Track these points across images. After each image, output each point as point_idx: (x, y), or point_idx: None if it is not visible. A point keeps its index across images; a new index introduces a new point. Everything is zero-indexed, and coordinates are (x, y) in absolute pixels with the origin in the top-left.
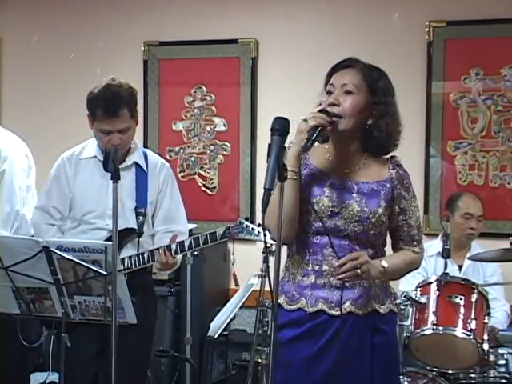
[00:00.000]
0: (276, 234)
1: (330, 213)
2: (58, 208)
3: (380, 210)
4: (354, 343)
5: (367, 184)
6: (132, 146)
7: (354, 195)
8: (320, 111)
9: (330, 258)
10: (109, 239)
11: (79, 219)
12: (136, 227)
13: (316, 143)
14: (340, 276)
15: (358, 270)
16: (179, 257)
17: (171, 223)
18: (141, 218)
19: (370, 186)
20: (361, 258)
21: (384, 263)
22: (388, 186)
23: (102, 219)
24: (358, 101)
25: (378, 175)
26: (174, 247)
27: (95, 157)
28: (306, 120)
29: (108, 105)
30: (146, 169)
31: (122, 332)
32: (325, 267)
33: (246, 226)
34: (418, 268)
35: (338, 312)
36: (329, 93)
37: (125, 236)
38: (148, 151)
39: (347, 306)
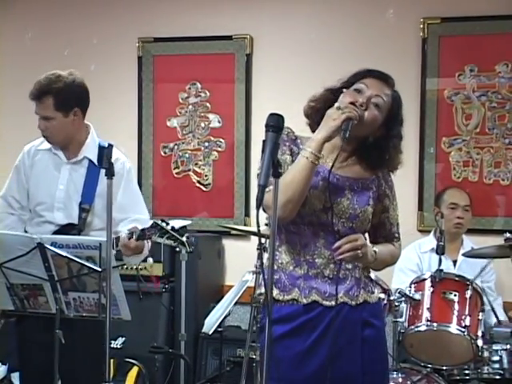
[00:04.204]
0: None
1: (322, 207)
2: (17, 198)
3: (369, 209)
4: (346, 337)
5: (357, 181)
6: (88, 140)
7: (346, 192)
8: (351, 103)
9: (322, 248)
10: (56, 233)
11: (33, 211)
12: (75, 222)
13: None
14: (340, 256)
15: (359, 251)
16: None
17: (122, 214)
18: (84, 214)
19: (360, 183)
20: (360, 240)
21: (376, 248)
22: (375, 183)
23: (51, 212)
24: (379, 118)
25: (365, 173)
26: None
27: (50, 149)
28: (339, 108)
29: (36, 88)
30: (97, 164)
31: (71, 326)
32: (317, 259)
33: (160, 228)
34: (394, 264)
35: (333, 303)
36: (357, 90)
37: (68, 230)
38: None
39: (340, 297)
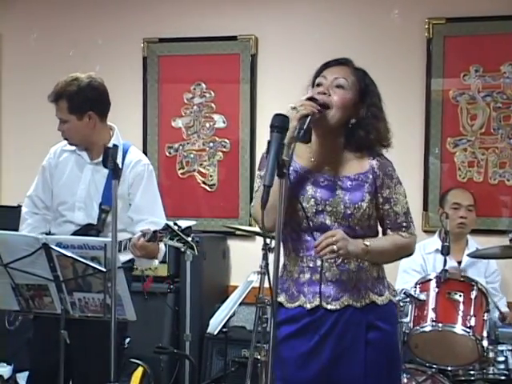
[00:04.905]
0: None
1: (314, 210)
2: (42, 198)
3: (364, 205)
4: (348, 339)
5: (349, 178)
6: (111, 142)
7: (338, 192)
8: (308, 99)
9: None
10: (75, 233)
11: (56, 210)
12: (95, 223)
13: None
14: (319, 254)
15: (334, 247)
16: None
17: (139, 215)
18: (103, 215)
19: (353, 180)
20: (337, 236)
21: (367, 242)
22: (371, 177)
23: (72, 211)
24: (348, 97)
25: (360, 168)
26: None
27: (74, 150)
28: (294, 108)
29: (53, 91)
30: (120, 165)
31: (83, 325)
32: (319, 262)
33: (171, 231)
34: (411, 254)
35: (337, 306)
36: (319, 85)
37: (88, 230)
38: (132, 148)
39: (345, 300)
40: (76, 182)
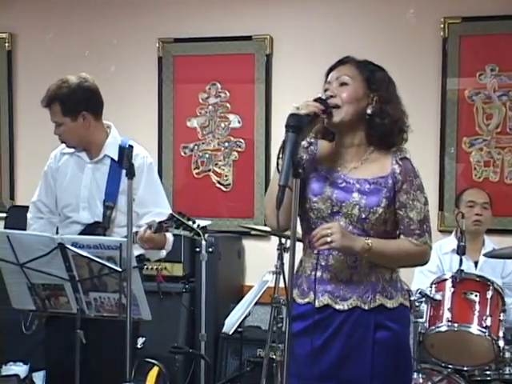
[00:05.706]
0: (270, 222)
1: (330, 211)
2: (45, 203)
3: (380, 210)
4: (356, 339)
5: (369, 181)
6: (109, 140)
7: (354, 194)
8: (315, 100)
9: (336, 252)
10: (82, 233)
11: (61, 213)
12: (101, 220)
13: (323, 141)
14: (315, 245)
15: (328, 238)
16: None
17: (144, 208)
18: (108, 212)
19: (372, 183)
20: (332, 228)
21: (369, 240)
22: (390, 181)
23: (77, 212)
24: (354, 89)
25: (381, 170)
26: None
27: (73, 152)
28: (298, 108)
29: (45, 95)
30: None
31: (99, 325)
32: (331, 262)
33: (176, 220)
34: (424, 263)
35: (345, 307)
36: (326, 91)
37: (94, 229)
38: (131, 143)
39: (353, 301)
40: (78, 183)
